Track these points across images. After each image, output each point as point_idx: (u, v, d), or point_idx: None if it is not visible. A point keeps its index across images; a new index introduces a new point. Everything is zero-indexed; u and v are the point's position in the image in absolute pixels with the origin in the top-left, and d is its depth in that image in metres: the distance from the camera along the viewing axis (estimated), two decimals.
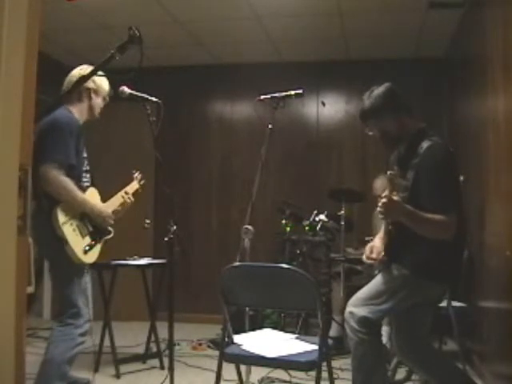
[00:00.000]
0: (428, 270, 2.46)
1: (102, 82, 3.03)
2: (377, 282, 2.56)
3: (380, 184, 4.54)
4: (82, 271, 2.89)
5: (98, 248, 2.97)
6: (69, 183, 2.78)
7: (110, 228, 3.06)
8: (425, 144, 2.49)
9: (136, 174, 3.47)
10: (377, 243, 2.65)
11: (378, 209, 2.43)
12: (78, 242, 2.81)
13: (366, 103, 2.62)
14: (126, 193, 3.30)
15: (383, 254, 2.56)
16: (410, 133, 2.59)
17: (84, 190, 2.94)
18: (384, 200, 2.38)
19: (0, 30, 1.31)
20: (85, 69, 2.88)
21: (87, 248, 2.86)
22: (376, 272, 2.64)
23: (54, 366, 2.75)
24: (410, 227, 2.43)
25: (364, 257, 2.70)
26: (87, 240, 2.88)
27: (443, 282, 2.55)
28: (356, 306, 2.52)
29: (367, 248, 2.69)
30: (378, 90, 2.61)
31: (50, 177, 2.72)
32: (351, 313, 2.52)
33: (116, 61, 2.27)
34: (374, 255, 2.62)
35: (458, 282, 2.67)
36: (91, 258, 2.91)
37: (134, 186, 3.40)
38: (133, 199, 3.31)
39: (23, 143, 1.37)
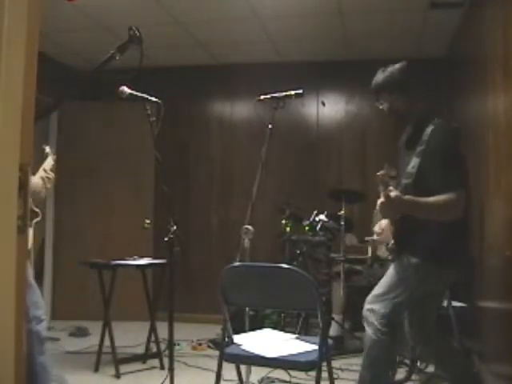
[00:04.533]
0: (437, 255, 2.46)
1: None
2: (390, 275, 2.56)
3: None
4: None
5: (30, 232, 2.74)
6: None
7: (36, 209, 2.88)
8: (429, 129, 2.51)
9: (47, 150, 3.19)
10: (383, 222, 2.67)
11: (378, 208, 2.45)
12: None
13: (380, 76, 2.65)
14: (45, 170, 3.02)
15: (393, 242, 2.57)
16: (418, 115, 2.61)
17: None
18: (381, 200, 2.41)
19: (0, 30, 1.31)
20: None
21: None
22: (389, 257, 2.65)
23: (33, 361, 2.63)
24: (418, 216, 2.43)
25: (375, 236, 2.71)
26: None
27: (453, 265, 2.54)
28: (375, 303, 2.52)
29: (376, 226, 2.69)
30: (394, 66, 2.65)
31: None
32: (372, 310, 2.51)
33: (116, 61, 2.28)
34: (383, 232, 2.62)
35: (467, 264, 2.66)
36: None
37: (49, 162, 3.12)
38: (53, 175, 3.04)
39: (23, 143, 1.37)
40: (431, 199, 2.40)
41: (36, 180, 2.84)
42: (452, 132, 2.57)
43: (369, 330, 2.52)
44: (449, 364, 2.69)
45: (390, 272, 2.57)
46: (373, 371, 2.50)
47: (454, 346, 2.73)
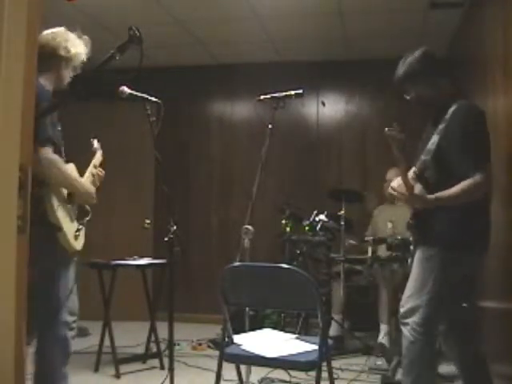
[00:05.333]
0: (456, 240, 2.44)
1: (77, 51, 2.69)
2: (415, 273, 2.52)
3: (393, 174, 4.54)
4: (70, 262, 2.65)
5: (83, 232, 2.76)
6: (63, 164, 2.57)
7: (88, 208, 2.84)
8: (452, 108, 2.49)
9: (95, 145, 3.22)
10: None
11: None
12: (70, 227, 2.59)
13: (400, 70, 2.63)
14: (95, 166, 3.06)
15: (411, 218, 2.58)
16: (444, 98, 2.59)
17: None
18: (400, 191, 2.43)
19: (0, 30, 1.31)
20: (56, 33, 2.64)
21: (77, 233, 2.65)
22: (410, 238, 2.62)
23: (56, 372, 2.62)
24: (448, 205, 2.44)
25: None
26: (75, 224, 2.67)
27: (475, 248, 2.50)
28: (408, 304, 2.49)
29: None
30: (413, 56, 2.62)
31: (46, 158, 2.44)
32: (407, 312, 2.48)
33: (116, 61, 2.28)
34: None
35: (487, 244, 2.59)
36: (80, 243, 2.69)
37: (98, 157, 3.17)
38: (103, 171, 3.06)
39: (23, 143, 1.37)
40: (455, 190, 2.39)
41: (87, 184, 2.80)
42: (474, 112, 2.52)
43: (405, 332, 2.48)
44: (465, 366, 2.63)
45: (415, 270, 2.53)
46: (413, 373, 2.46)
47: (474, 349, 2.65)
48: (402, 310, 2.54)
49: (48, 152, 2.47)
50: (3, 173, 1.33)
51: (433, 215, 2.49)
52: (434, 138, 2.51)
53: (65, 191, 2.62)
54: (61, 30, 2.67)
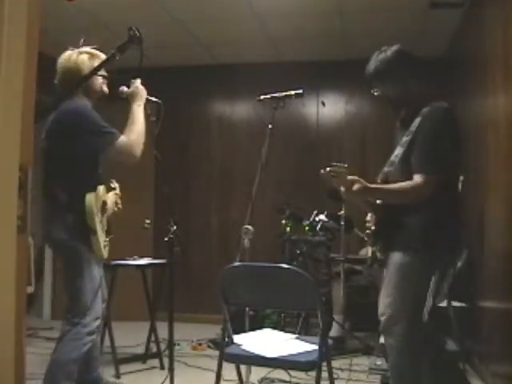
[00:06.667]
0: (424, 244, 2.37)
1: (83, 64, 2.94)
2: (393, 277, 2.46)
3: None
4: (95, 265, 2.82)
5: (108, 246, 2.96)
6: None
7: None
8: (417, 120, 2.42)
9: (114, 184, 3.35)
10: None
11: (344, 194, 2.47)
12: (101, 235, 2.81)
13: (371, 66, 2.59)
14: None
15: (373, 228, 2.57)
16: (413, 101, 2.51)
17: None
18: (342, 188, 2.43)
19: (0, 30, 1.31)
20: (74, 52, 2.89)
21: (105, 243, 2.87)
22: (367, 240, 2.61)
23: (60, 366, 2.68)
24: (383, 200, 2.44)
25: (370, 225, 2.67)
26: (104, 236, 2.88)
27: (442, 249, 2.42)
28: (388, 311, 2.44)
29: (368, 216, 2.63)
30: (386, 54, 2.59)
31: (125, 141, 2.74)
32: (388, 320, 2.43)
33: (116, 61, 2.28)
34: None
35: (457, 244, 2.54)
36: (106, 253, 2.90)
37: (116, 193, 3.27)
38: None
39: (23, 143, 1.37)
40: (395, 185, 2.39)
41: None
42: (441, 117, 2.41)
43: (390, 341, 2.43)
44: (436, 366, 2.59)
45: (393, 276, 2.46)
46: (403, 381, 2.42)
47: (441, 349, 2.62)
48: (383, 318, 2.45)
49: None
50: (3, 173, 1.33)
51: (400, 220, 2.43)
52: (398, 151, 2.46)
53: (99, 204, 2.81)
54: (73, 52, 2.97)
